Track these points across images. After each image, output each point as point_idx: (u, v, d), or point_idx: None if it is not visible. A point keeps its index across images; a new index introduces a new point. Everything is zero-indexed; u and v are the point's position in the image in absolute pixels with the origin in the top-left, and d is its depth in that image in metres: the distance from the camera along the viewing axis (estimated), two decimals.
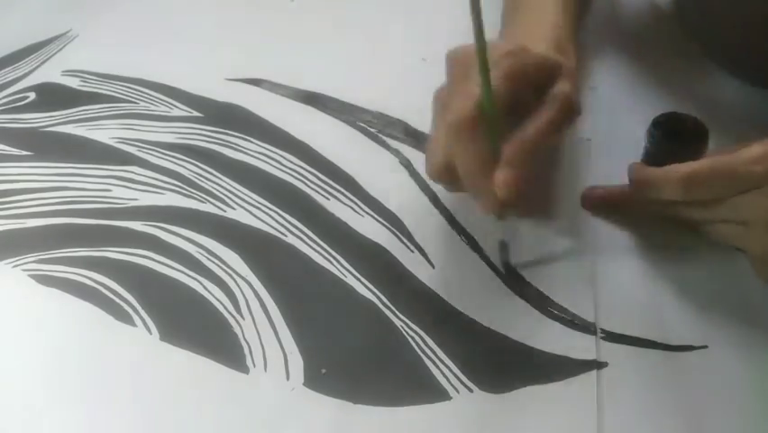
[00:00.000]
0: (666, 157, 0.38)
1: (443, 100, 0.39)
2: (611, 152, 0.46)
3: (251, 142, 0.49)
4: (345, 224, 0.44)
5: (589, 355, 0.37)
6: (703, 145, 0.39)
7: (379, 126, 0.49)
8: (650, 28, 0.56)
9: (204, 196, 0.46)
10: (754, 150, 0.36)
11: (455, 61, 0.40)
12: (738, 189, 0.36)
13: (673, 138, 0.40)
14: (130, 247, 0.43)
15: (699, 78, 0.51)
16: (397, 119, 0.50)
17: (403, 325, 0.39)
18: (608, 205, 0.43)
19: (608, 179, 0.44)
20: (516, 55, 0.38)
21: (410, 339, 0.38)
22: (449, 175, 0.38)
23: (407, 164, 0.47)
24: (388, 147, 0.48)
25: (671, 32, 0.54)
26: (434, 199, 0.44)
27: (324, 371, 0.37)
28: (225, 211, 0.45)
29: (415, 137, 0.48)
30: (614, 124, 0.48)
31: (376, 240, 0.43)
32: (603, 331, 0.38)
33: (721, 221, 0.38)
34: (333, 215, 0.44)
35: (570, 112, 0.39)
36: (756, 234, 0.37)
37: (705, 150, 0.39)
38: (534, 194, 0.44)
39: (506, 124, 0.38)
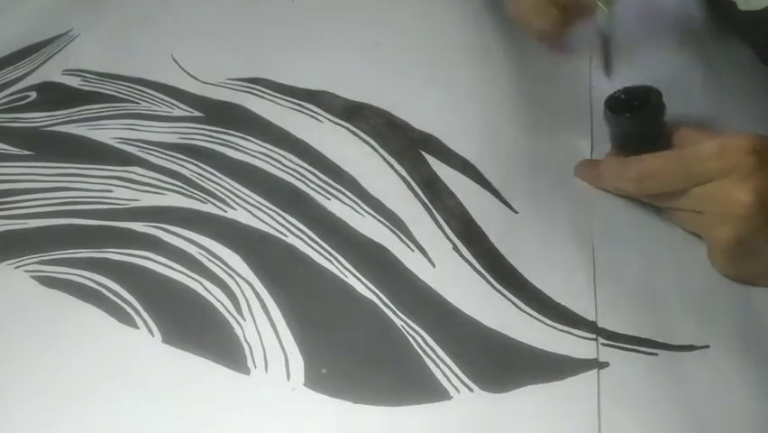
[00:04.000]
0: (627, 135, 0.41)
1: None
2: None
3: (252, 141, 0.49)
4: (346, 223, 0.44)
5: (590, 355, 0.37)
6: (658, 112, 0.41)
7: (380, 125, 0.49)
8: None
9: (205, 196, 0.46)
10: (708, 146, 0.37)
11: None
12: (692, 183, 0.38)
13: (627, 111, 0.41)
14: (131, 248, 0.43)
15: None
16: (399, 118, 0.50)
17: (403, 324, 0.39)
18: (590, 178, 0.45)
19: None
20: None
21: (410, 339, 0.38)
22: None
23: (409, 164, 0.47)
24: (389, 147, 0.48)
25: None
26: (434, 200, 0.44)
27: (324, 371, 0.37)
28: (226, 211, 0.45)
29: (417, 137, 0.48)
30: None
31: (376, 239, 0.43)
32: (604, 330, 0.38)
33: (679, 209, 0.40)
34: (333, 214, 0.44)
35: None
36: (709, 222, 0.38)
37: (662, 115, 0.41)
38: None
39: None
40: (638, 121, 0.41)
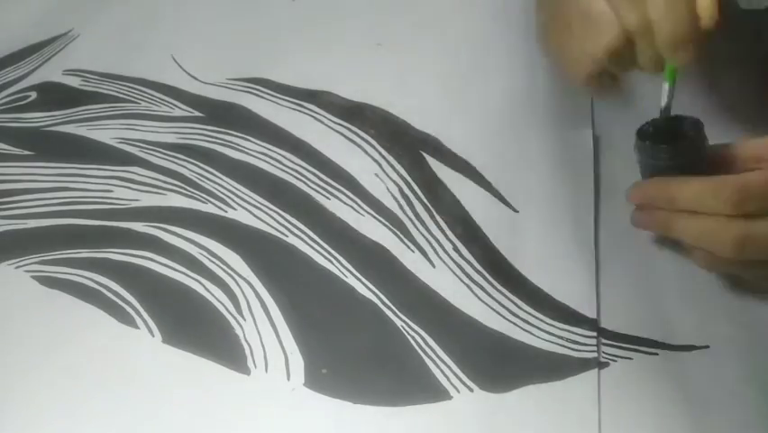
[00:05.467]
0: (665, 165, 0.36)
1: None
2: (616, 148, 0.46)
3: (252, 141, 0.49)
4: (346, 223, 0.44)
5: (591, 354, 0.37)
6: (698, 141, 0.36)
7: (380, 126, 0.49)
8: None
9: (205, 196, 0.46)
10: None
11: None
12: None
13: (667, 141, 0.36)
14: (131, 248, 0.43)
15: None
16: (399, 118, 0.50)
17: (403, 325, 0.39)
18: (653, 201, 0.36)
19: (613, 177, 0.43)
20: None
21: (410, 339, 0.38)
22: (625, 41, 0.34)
23: (409, 164, 0.47)
24: (389, 146, 0.48)
25: None
26: (434, 200, 0.44)
27: (324, 371, 0.37)
28: (226, 212, 0.45)
29: (417, 137, 0.48)
30: (623, 119, 0.48)
31: (376, 240, 0.43)
32: (605, 330, 0.38)
33: None
34: (333, 214, 0.44)
35: None
36: None
37: (704, 146, 0.36)
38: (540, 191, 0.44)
39: None
40: (681, 151, 0.35)
